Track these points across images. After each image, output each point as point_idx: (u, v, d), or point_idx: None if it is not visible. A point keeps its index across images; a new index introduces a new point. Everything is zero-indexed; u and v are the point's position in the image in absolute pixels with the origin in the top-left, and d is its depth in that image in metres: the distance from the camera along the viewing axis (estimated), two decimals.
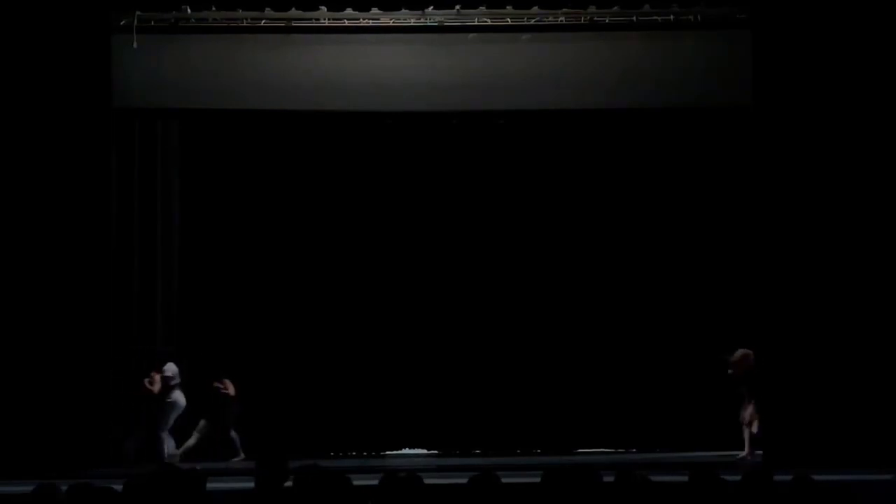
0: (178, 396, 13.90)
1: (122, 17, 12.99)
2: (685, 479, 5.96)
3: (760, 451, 12.83)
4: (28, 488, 5.72)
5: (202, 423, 14.23)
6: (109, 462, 12.31)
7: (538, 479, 5.56)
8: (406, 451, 15.08)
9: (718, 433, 14.32)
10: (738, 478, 5.83)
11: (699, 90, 13.28)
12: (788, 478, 5.69)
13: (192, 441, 14.14)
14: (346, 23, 13.35)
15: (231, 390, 14.27)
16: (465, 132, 15.22)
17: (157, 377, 13.80)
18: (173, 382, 13.86)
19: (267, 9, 13.09)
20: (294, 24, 13.33)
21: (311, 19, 13.33)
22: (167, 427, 13.87)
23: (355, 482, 5.46)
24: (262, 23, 13.32)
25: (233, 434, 14.20)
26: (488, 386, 15.00)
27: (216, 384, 14.22)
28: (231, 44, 13.40)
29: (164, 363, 14.01)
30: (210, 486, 5.92)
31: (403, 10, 13.13)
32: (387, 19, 13.31)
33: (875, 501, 9.43)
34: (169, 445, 13.81)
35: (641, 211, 15.56)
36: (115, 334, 13.07)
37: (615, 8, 13.17)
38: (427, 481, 5.61)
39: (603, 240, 15.60)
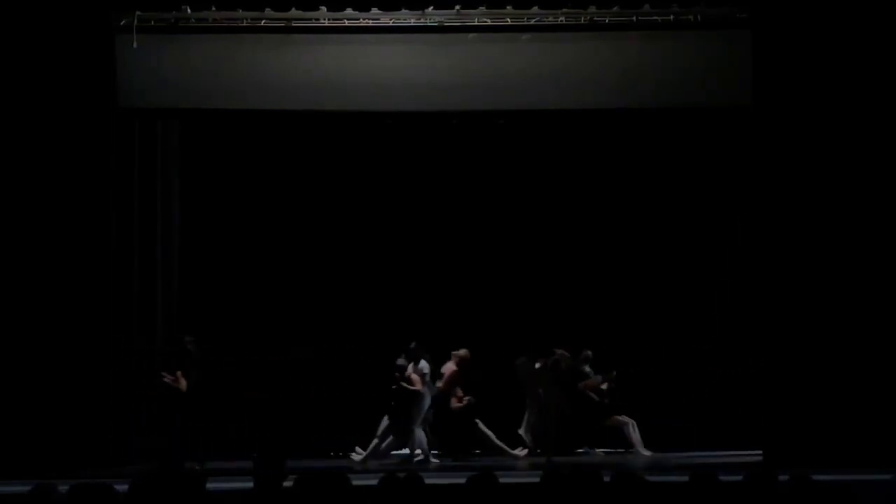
0: (426, 391, 13.85)
1: (122, 17, 13.00)
2: (685, 479, 5.96)
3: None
4: (28, 488, 5.71)
5: (385, 422, 14.07)
6: (109, 462, 12.32)
7: (538, 479, 5.55)
8: (406, 450, 15.06)
9: (718, 433, 14.39)
10: (738, 478, 5.82)
11: (699, 90, 13.28)
12: (788, 478, 5.68)
13: (377, 441, 13.99)
14: (346, 23, 13.36)
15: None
16: (465, 132, 15.24)
17: (416, 377, 13.68)
18: (427, 378, 13.81)
19: (267, 9, 13.10)
20: (294, 24, 13.34)
21: (311, 19, 13.34)
22: (421, 421, 13.76)
23: (355, 482, 5.45)
24: (262, 23, 13.32)
25: (418, 432, 13.94)
26: (488, 386, 14.97)
27: (401, 383, 14.09)
28: (231, 44, 13.40)
29: (419, 361, 13.83)
30: (210, 486, 5.91)
31: (403, 10, 13.15)
32: (387, 19, 13.32)
33: (875, 501, 9.43)
34: (422, 439, 13.68)
35: (641, 211, 15.58)
36: (115, 334, 13.07)
37: (615, 8, 13.18)
38: (427, 481, 5.60)
39: (603, 239, 15.62)
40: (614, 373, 14.32)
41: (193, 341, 13.57)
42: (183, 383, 13.36)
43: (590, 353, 14.41)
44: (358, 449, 14.47)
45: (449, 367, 14.04)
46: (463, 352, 14.02)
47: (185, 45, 13.38)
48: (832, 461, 10.76)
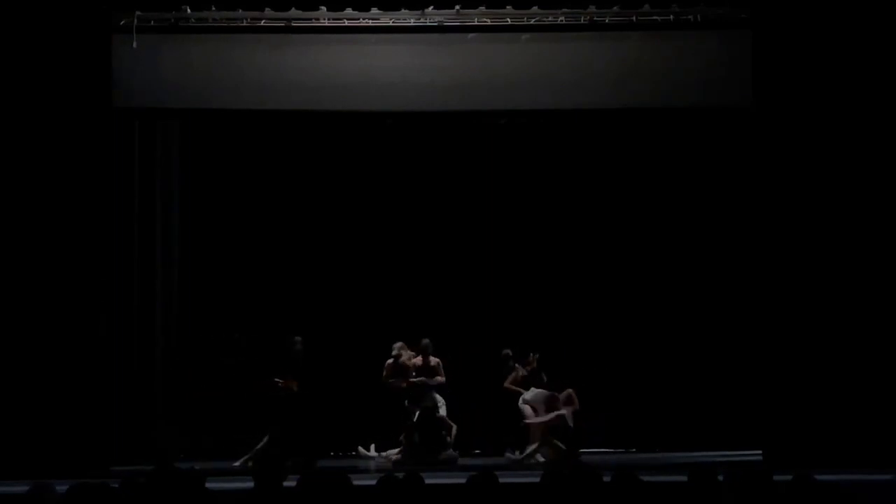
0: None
1: (121, 17, 12.99)
2: (685, 479, 5.96)
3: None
4: (27, 488, 5.71)
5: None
6: (111, 461, 12.31)
7: (538, 480, 5.55)
8: None
9: (718, 433, 14.39)
10: (738, 478, 5.81)
11: (699, 90, 13.27)
12: (788, 478, 5.68)
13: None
14: (346, 23, 13.35)
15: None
16: (465, 132, 15.24)
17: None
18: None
19: (267, 9, 13.08)
20: (294, 24, 13.32)
21: (311, 19, 13.32)
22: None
23: (355, 482, 5.45)
24: (262, 23, 13.31)
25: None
26: (489, 387, 14.98)
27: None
28: (231, 44, 13.39)
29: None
30: (210, 485, 5.90)
31: (403, 10, 13.13)
32: (387, 19, 13.31)
33: (875, 501, 9.43)
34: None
35: (642, 211, 15.59)
36: (115, 334, 13.05)
37: (615, 8, 13.16)
38: (427, 481, 5.60)
39: (603, 240, 15.62)
40: (534, 355, 13.93)
41: (300, 342, 13.67)
42: (294, 384, 13.43)
43: (509, 351, 14.23)
44: (360, 448, 14.46)
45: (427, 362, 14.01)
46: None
47: (184, 46, 13.37)
48: (832, 461, 10.75)
